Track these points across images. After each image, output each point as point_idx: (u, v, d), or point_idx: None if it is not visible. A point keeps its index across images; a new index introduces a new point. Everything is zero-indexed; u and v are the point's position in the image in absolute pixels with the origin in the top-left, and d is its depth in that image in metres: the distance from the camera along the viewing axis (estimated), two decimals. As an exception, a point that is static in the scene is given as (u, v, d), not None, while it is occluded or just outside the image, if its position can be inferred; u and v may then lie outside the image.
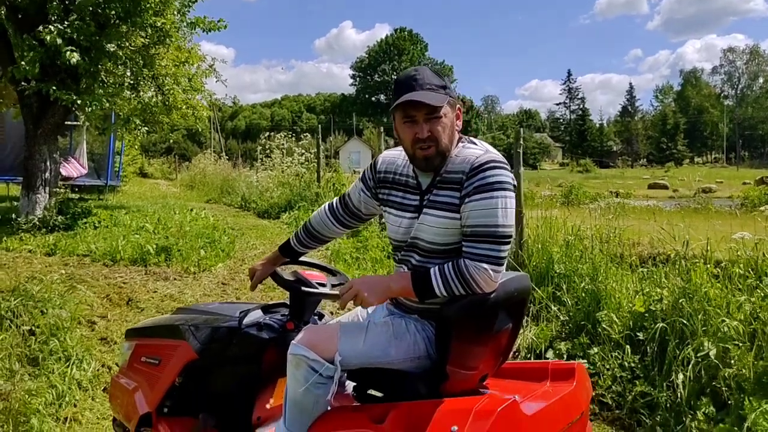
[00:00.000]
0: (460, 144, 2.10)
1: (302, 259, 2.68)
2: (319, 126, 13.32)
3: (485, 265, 1.91)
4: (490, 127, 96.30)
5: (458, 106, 2.11)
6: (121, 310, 5.70)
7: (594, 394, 4.03)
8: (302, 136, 15.25)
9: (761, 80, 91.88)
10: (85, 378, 4.16)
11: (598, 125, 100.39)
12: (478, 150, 2.05)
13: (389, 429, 1.88)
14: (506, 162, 2.02)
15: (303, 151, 14.24)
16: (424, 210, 2.08)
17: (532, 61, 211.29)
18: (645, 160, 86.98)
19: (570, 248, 5.37)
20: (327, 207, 2.54)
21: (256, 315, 2.55)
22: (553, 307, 4.87)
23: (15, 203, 9.93)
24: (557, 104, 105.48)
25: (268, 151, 15.67)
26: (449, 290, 1.94)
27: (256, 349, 2.46)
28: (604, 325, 4.33)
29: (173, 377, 2.56)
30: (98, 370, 4.36)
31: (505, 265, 1.97)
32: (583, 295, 4.78)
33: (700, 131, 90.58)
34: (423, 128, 2.01)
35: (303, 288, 2.42)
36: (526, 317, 4.98)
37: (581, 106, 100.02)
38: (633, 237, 5.79)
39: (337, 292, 2.52)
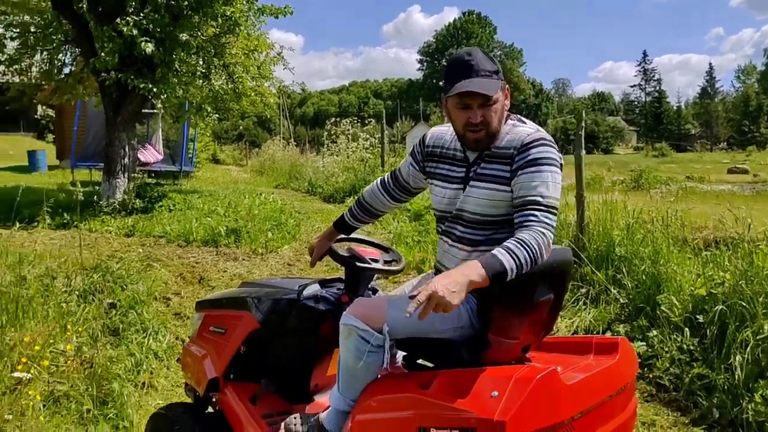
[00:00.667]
0: (510, 122, 2.19)
1: (357, 236, 2.82)
2: (383, 111, 13.46)
3: (541, 229, 1.98)
4: (560, 111, 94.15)
5: (506, 87, 2.19)
6: (193, 287, 6.02)
7: (651, 375, 4.04)
8: (367, 122, 15.42)
9: None
10: (161, 349, 4.46)
11: (675, 108, 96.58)
12: (529, 128, 2.14)
13: (434, 393, 1.99)
14: (553, 141, 2.11)
15: (368, 136, 14.42)
16: (471, 182, 2.18)
17: (606, 42, 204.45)
18: (725, 143, 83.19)
19: (631, 231, 5.32)
20: (379, 182, 2.66)
21: (314, 288, 2.71)
22: (612, 290, 4.86)
23: (97, 188, 10.51)
24: (632, 86, 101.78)
25: (334, 137, 15.94)
26: (518, 263, 1.91)
27: (314, 320, 2.62)
28: (663, 308, 4.31)
29: (238, 345, 2.75)
30: (172, 342, 4.66)
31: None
32: (644, 278, 4.75)
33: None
34: (476, 114, 2.10)
35: (357, 263, 2.56)
36: (585, 300, 5.00)
37: (657, 87, 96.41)
38: (698, 221, 5.68)
39: (390, 268, 2.65)
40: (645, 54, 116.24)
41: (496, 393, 1.86)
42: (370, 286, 2.74)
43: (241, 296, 2.83)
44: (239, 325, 2.76)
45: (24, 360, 3.27)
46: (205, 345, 2.91)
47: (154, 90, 9.00)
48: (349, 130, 15.36)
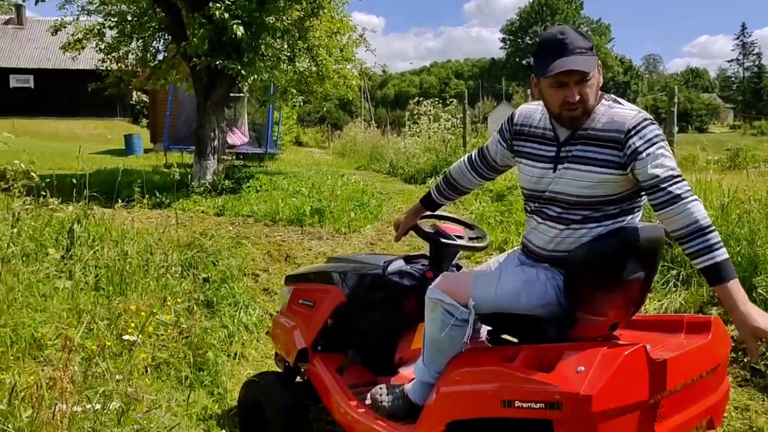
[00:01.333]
0: (605, 102, 2.15)
1: (442, 213, 2.86)
2: (465, 91, 13.33)
3: (691, 198, 1.97)
4: (651, 89, 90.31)
5: (599, 63, 2.15)
6: (280, 265, 6.23)
7: (746, 360, 3.88)
8: (448, 102, 15.31)
9: None
10: (251, 322, 4.65)
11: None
12: (630, 110, 2.10)
13: (519, 368, 2.01)
14: (653, 119, 2.10)
15: (449, 116, 14.33)
16: (566, 164, 2.14)
17: (701, 14, 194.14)
18: (833, 120, 77.46)
19: (726, 211, 5.09)
20: (466, 158, 2.67)
21: (399, 264, 2.77)
22: (705, 273, 4.67)
23: (188, 169, 10.99)
24: (729, 61, 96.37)
25: (415, 118, 15.93)
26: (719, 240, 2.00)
27: (398, 295, 2.69)
28: (760, 290, 4.12)
29: (325, 318, 2.85)
30: (261, 316, 4.85)
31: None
32: (739, 259, 4.54)
33: None
34: (574, 92, 2.06)
35: (442, 239, 2.60)
36: (675, 281, 4.84)
37: (757, 62, 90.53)
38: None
39: (475, 245, 2.68)
40: (744, 26, 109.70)
41: (582, 368, 1.86)
42: (454, 262, 2.78)
43: (329, 271, 2.93)
44: (327, 299, 2.86)
45: (132, 325, 3.51)
46: (295, 317, 3.03)
47: (243, 73, 9.29)
48: (430, 110, 15.31)
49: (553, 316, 2.17)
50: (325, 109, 27.74)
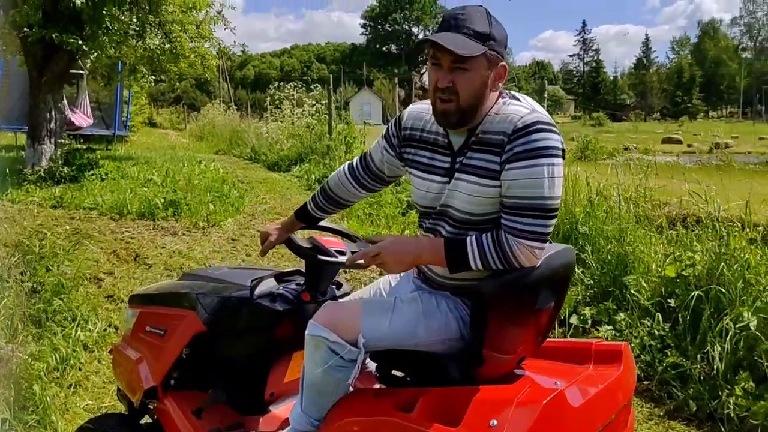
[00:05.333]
0: (501, 100, 1.83)
1: (320, 223, 2.46)
2: (330, 76, 12.94)
3: (528, 242, 1.68)
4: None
5: (502, 64, 1.82)
6: (128, 266, 5.54)
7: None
8: (312, 87, 14.85)
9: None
10: (91, 339, 4.01)
11: (612, 78, 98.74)
12: (522, 108, 1.77)
13: (418, 418, 1.69)
14: (554, 123, 1.75)
15: (314, 102, 13.89)
16: (457, 174, 1.83)
17: (547, 11, 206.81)
18: (659, 114, 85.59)
19: (594, 208, 5.13)
20: (347, 167, 2.27)
21: (269, 284, 2.34)
22: (576, 270, 4.66)
23: (22, 153, 9.73)
24: (571, 56, 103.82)
25: (277, 102, 15.33)
26: (486, 264, 1.72)
27: (269, 321, 2.27)
28: (632, 291, 4.13)
29: (180, 349, 2.37)
30: (104, 330, 4.21)
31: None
32: (609, 257, 4.57)
33: (716, 85, 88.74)
34: (445, 77, 1.74)
35: (319, 256, 2.21)
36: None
37: (595, 58, 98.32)
38: (659, 196, 5.54)
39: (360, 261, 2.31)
40: (584, 24, 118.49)
41: (495, 422, 1.57)
42: (334, 280, 2.40)
43: (184, 292, 2.44)
44: (181, 326, 2.37)
45: None
46: (141, 347, 2.51)
47: (84, 48, 8.27)
48: (293, 95, 14.77)
49: (455, 353, 1.86)
50: (180, 89, 26.23)
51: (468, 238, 1.75)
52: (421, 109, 2.01)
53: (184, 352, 2.38)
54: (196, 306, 2.33)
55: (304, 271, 2.34)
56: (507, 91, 1.87)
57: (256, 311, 2.25)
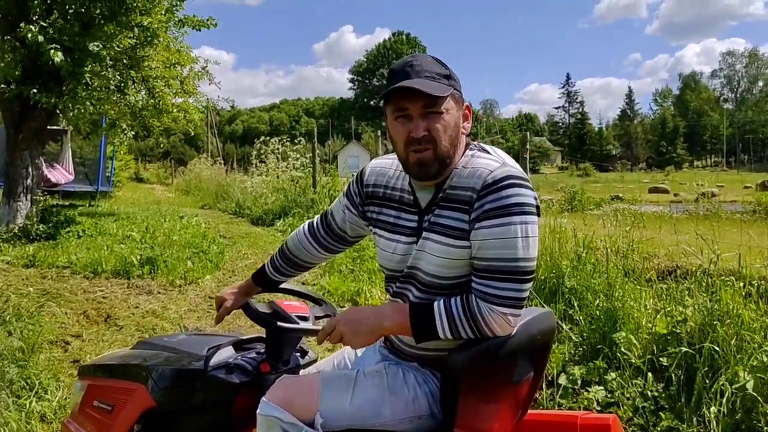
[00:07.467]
0: (469, 152, 1.69)
1: (282, 285, 2.28)
2: (315, 129, 12.92)
3: (502, 309, 1.52)
4: (489, 131, 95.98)
5: (466, 104, 1.71)
6: (98, 328, 5.29)
7: (614, 426, 3.63)
8: (296, 141, 14.83)
9: (761, 83, 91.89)
10: (50, 409, 3.74)
11: (597, 129, 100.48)
12: (492, 162, 1.63)
13: None
14: (527, 178, 1.61)
15: (298, 155, 13.84)
16: (425, 234, 1.67)
17: (532, 65, 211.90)
18: (644, 163, 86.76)
19: (581, 261, 4.97)
20: (306, 227, 2.11)
21: (227, 353, 2.15)
22: (564, 327, 4.47)
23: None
24: (556, 108, 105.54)
25: (263, 156, 15.28)
26: (455, 332, 1.55)
27: (226, 395, 2.06)
28: (622, 348, 3.93)
29: (129, 427, 2.15)
30: (66, 398, 3.95)
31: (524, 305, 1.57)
32: (598, 313, 4.38)
33: (699, 135, 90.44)
34: (419, 125, 1.60)
35: (279, 323, 2.02)
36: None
37: (580, 110, 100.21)
38: (648, 248, 5.40)
39: (320, 328, 2.12)
40: (568, 77, 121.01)
41: None
42: (298, 347, 2.21)
43: (134, 363, 2.24)
44: (130, 401, 2.16)
45: None
46: (88, 424, 2.30)
47: (60, 106, 8.18)
48: (278, 149, 14.73)
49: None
50: (166, 144, 26.27)
51: (435, 303, 1.59)
52: (383, 164, 1.87)
53: (135, 427, 2.16)
54: (147, 379, 2.13)
55: (264, 337, 2.15)
56: (476, 143, 1.74)
57: (211, 384, 2.05)
